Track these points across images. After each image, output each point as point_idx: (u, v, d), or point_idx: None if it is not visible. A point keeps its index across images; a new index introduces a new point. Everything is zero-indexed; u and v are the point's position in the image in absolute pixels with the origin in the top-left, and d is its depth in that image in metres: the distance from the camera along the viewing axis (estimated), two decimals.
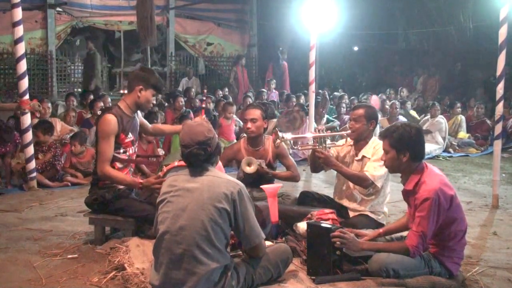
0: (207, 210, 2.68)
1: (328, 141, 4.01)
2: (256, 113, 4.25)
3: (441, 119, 9.34)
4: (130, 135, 3.89)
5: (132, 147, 3.96)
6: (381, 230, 3.49)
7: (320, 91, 11.86)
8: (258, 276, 2.91)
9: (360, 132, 3.99)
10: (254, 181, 4.14)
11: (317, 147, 3.91)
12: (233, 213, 2.73)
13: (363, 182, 3.83)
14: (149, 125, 4.35)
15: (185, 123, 2.97)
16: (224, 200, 2.70)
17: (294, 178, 4.39)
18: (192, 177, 2.80)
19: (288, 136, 4.04)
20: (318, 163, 4.05)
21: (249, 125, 4.25)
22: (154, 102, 3.98)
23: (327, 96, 10.11)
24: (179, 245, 2.67)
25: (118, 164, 3.85)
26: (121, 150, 3.85)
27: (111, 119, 3.73)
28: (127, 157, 3.91)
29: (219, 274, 2.71)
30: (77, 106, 8.94)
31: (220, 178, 2.79)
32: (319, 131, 3.99)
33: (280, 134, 3.95)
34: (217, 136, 2.97)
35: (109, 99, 9.09)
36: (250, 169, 4.12)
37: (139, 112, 4.07)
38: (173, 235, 2.69)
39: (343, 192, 4.15)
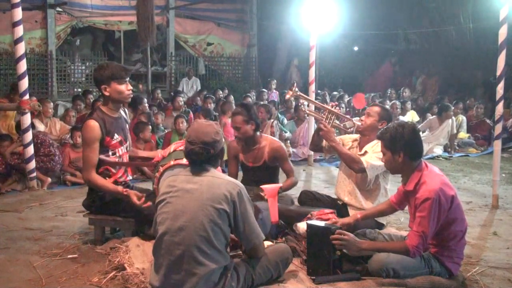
0: (206, 211, 2.67)
1: (337, 121, 4.18)
2: (237, 120, 4.16)
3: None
4: (116, 136, 3.83)
5: (121, 147, 3.89)
6: (358, 214, 3.52)
7: (319, 91, 11.88)
8: (258, 276, 2.91)
9: (369, 126, 4.03)
10: (255, 181, 4.13)
11: (323, 119, 4.03)
12: (232, 214, 2.73)
13: (355, 164, 3.86)
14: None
15: (196, 120, 2.96)
16: (224, 201, 2.70)
17: (295, 184, 4.29)
18: (192, 177, 2.79)
19: (302, 94, 4.35)
20: (318, 140, 4.17)
21: (235, 132, 4.26)
22: (131, 88, 3.91)
23: (327, 98, 10.12)
24: (179, 246, 2.67)
25: (112, 170, 3.82)
26: (110, 153, 3.81)
27: (93, 125, 3.69)
28: (117, 159, 3.86)
29: (219, 274, 2.71)
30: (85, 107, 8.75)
31: (220, 179, 2.79)
32: (332, 106, 4.11)
33: (295, 88, 4.19)
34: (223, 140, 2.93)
35: None
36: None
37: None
38: (173, 236, 2.69)
39: (344, 188, 4.16)
